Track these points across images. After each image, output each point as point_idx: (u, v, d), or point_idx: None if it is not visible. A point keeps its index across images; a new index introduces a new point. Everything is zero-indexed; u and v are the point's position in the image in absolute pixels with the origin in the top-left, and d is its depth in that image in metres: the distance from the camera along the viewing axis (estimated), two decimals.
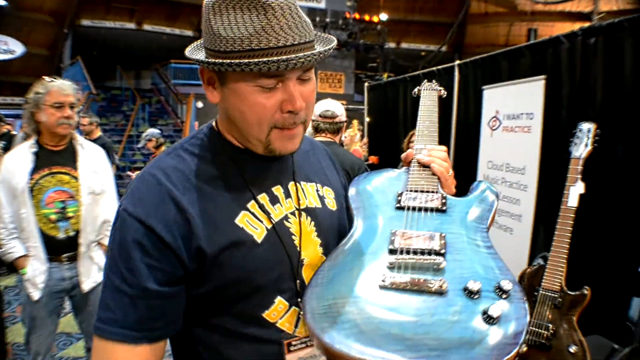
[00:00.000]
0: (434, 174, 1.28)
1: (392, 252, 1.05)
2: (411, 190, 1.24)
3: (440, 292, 0.94)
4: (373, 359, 0.83)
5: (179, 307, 1.06)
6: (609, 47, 3.50)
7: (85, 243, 3.06)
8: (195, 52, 1.13)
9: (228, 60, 0.98)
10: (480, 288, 0.93)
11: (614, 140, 3.19)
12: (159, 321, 1.02)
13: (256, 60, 0.96)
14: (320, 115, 3.38)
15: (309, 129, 3.83)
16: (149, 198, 1.03)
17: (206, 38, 1.05)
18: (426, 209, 1.19)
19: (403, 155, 1.39)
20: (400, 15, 20.30)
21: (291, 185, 1.22)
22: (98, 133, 6.40)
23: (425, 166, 1.30)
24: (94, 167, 3.17)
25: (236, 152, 1.16)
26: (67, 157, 3.08)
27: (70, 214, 3.01)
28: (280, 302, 1.12)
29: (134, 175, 6.54)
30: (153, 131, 6.79)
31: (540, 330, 2.53)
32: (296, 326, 1.14)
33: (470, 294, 0.93)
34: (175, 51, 18.99)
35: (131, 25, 18.93)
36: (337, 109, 3.42)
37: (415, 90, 1.69)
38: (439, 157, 1.31)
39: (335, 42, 1.12)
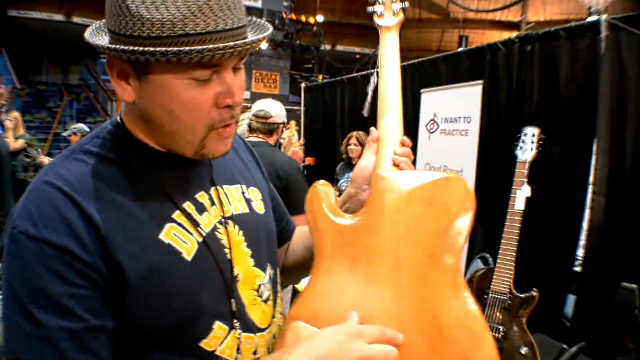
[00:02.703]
0: None
1: None
2: None
3: None
4: None
5: (110, 346, 0.86)
6: (545, 54, 3.62)
7: None
8: (96, 36, 0.92)
9: (160, 49, 0.79)
10: None
11: (550, 143, 3.28)
12: None
13: (198, 47, 0.79)
14: (253, 115, 3.26)
15: (245, 128, 3.72)
16: (52, 212, 0.82)
17: (116, 21, 0.83)
18: None
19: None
20: (335, 18, 20.40)
21: (213, 191, 1.04)
22: None
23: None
24: None
25: (152, 155, 0.96)
26: None
27: None
28: (219, 327, 0.95)
29: None
30: (82, 126, 6.58)
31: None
32: (238, 351, 0.97)
33: None
34: None
35: (59, 17, 18.06)
36: (273, 109, 3.28)
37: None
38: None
39: (271, 29, 0.95)
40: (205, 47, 0.79)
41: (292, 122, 9.06)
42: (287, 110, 3.53)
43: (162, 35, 0.80)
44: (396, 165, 1.09)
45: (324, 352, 0.83)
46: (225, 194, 1.07)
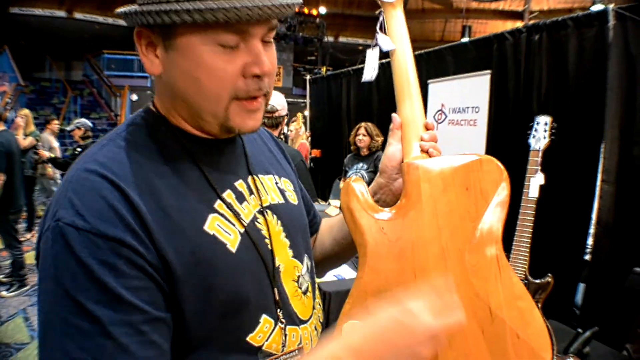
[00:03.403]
0: None
1: None
2: None
3: None
4: None
5: (169, 339, 0.81)
6: (553, 43, 3.64)
7: None
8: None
9: (183, 6, 0.75)
10: None
11: (559, 132, 3.31)
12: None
13: (225, 4, 0.75)
14: None
15: None
16: (99, 201, 0.76)
17: None
18: None
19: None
20: (338, 9, 20.34)
21: (250, 180, 1.01)
22: None
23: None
24: None
25: (189, 140, 0.92)
26: None
27: None
28: (265, 320, 0.92)
29: None
30: (86, 121, 6.64)
31: None
32: (284, 345, 0.95)
33: None
34: (109, 41, 18.54)
35: (61, 13, 18.05)
36: (278, 103, 3.32)
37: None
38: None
39: (295, 3, 0.87)
40: (239, 4, 0.76)
41: (299, 115, 9.09)
42: (292, 103, 3.56)
43: None
44: (424, 151, 1.06)
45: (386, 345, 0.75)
46: (262, 184, 1.05)
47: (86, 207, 0.75)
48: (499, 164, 0.98)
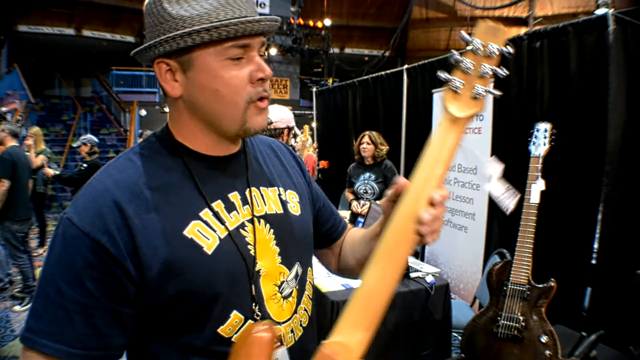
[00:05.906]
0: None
1: None
2: None
3: None
4: None
5: (121, 331, 0.97)
6: (554, 50, 3.67)
7: None
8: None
9: (200, 26, 0.94)
10: None
11: (563, 138, 3.33)
12: (97, 341, 0.94)
13: (227, 22, 0.95)
14: None
15: None
16: (94, 207, 0.95)
17: (160, 30, 0.98)
18: None
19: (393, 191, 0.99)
20: (343, 21, 20.45)
21: (247, 192, 1.12)
22: (10, 143, 5.62)
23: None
24: None
25: (190, 156, 1.07)
26: None
27: None
28: (235, 316, 1.04)
29: None
30: (91, 137, 6.72)
31: (511, 323, 2.61)
32: None
33: None
34: (117, 57, 18.62)
35: (70, 31, 18.27)
36: (273, 115, 3.29)
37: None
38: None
39: (279, 19, 1.09)
40: (237, 20, 0.96)
41: (306, 127, 9.14)
42: (299, 115, 3.54)
43: (202, 26, 0.96)
44: None
45: None
46: (262, 195, 1.16)
47: (84, 209, 0.96)
48: None
